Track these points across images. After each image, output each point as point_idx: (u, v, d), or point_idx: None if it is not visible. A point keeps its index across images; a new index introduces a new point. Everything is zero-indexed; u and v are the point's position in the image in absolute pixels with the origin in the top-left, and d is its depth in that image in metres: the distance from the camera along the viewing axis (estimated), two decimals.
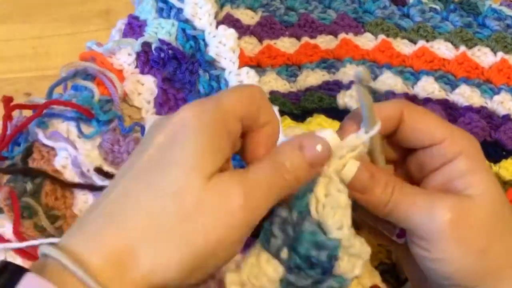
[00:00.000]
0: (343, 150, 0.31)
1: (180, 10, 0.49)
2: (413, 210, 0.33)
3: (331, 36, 0.55)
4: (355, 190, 0.33)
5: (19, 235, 0.39)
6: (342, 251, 0.29)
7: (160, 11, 0.50)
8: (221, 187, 0.29)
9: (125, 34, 0.51)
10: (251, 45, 0.53)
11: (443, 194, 0.33)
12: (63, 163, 0.44)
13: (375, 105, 0.32)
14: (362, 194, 0.33)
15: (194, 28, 0.48)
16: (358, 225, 0.42)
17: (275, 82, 0.51)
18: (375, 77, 0.52)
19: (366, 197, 0.34)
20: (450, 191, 0.34)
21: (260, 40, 0.54)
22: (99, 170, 0.44)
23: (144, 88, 0.48)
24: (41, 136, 0.44)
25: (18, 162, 0.43)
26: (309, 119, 0.48)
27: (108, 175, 0.43)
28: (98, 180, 0.43)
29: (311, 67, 0.52)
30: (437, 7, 0.58)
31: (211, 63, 0.47)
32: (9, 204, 0.40)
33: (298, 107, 0.49)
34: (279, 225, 0.30)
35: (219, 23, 0.51)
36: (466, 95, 0.51)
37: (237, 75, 0.45)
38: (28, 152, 0.44)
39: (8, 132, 0.45)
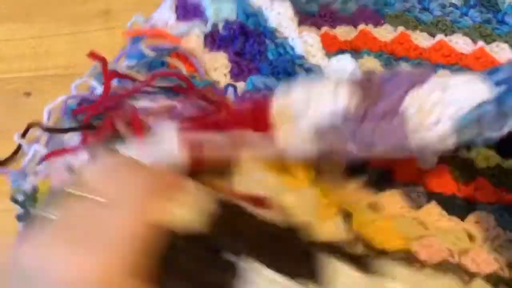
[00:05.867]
0: None
1: None
2: None
3: (350, 27, 0.56)
4: None
5: None
6: None
7: None
8: None
9: (181, 14, 0.55)
10: None
11: None
12: None
13: None
14: None
15: (251, 7, 0.53)
16: None
17: None
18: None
19: None
20: None
21: None
22: None
23: (219, 64, 0.52)
24: None
25: None
26: None
27: None
28: None
29: None
30: (457, 2, 0.58)
31: (273, 33, 0.52)
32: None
33: None
34: None
35: None
36: None
37: (300, 38, 0.51)
38: None
39: None
